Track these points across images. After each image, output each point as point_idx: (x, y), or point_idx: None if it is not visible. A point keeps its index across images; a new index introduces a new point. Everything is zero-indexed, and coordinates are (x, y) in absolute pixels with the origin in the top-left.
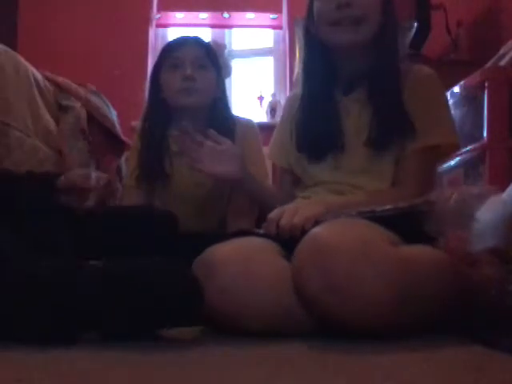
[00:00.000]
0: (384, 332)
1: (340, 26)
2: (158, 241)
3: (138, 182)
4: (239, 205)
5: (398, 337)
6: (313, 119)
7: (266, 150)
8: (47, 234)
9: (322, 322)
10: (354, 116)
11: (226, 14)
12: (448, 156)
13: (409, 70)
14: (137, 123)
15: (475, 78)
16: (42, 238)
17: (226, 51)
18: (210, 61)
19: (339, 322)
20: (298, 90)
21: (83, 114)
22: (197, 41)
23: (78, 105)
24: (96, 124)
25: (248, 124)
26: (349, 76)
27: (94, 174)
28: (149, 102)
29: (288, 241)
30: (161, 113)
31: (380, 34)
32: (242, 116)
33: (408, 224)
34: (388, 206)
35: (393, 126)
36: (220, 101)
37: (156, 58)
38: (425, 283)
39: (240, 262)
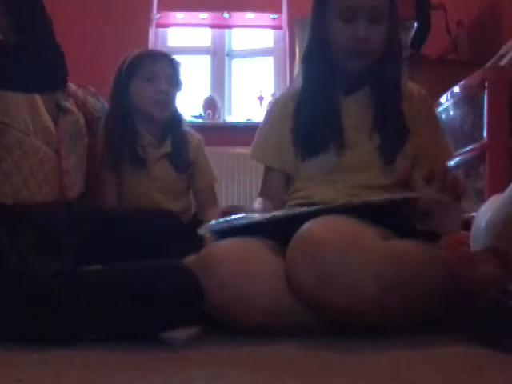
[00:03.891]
0: (371, 321)
1: (354, 56)
2: (158, 241)
3: (108, 171)
4: (205, 199)
5: (398, 336)
6: (313, 115)
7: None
8: (49, 237)
9: (312, 309)
10: (353, 115)
11: (225, 14)
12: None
13: (406, 87)
14: None
15: (475, 78)
16: (43, 240)
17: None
18: (176, 78)
19: (327, 308)
20: (291, 88)
21: (82, 118)
22: (170, 58)
23: (76, 109)
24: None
25: (198, 137)
26: (350, 77)
27: None
28: (114, 103)
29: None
30: (127, 113)
31: (385, 48)
32: (190, 130)
33: (400, 217)
34: (384, 196)
35: (396, 135)
36: (176, 114)
37: (125, 66)
38: (413, 275)
39: (238, 257)
